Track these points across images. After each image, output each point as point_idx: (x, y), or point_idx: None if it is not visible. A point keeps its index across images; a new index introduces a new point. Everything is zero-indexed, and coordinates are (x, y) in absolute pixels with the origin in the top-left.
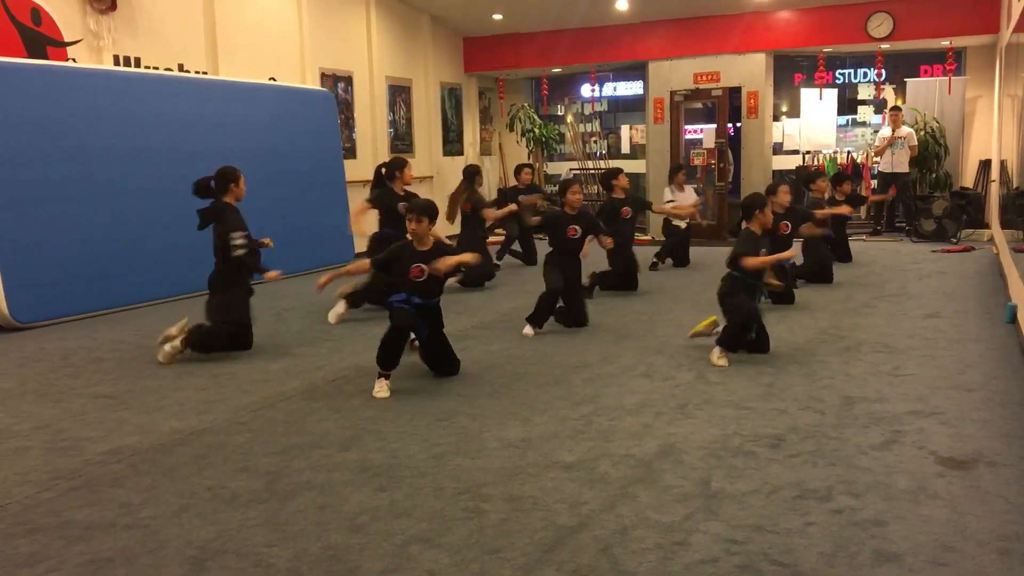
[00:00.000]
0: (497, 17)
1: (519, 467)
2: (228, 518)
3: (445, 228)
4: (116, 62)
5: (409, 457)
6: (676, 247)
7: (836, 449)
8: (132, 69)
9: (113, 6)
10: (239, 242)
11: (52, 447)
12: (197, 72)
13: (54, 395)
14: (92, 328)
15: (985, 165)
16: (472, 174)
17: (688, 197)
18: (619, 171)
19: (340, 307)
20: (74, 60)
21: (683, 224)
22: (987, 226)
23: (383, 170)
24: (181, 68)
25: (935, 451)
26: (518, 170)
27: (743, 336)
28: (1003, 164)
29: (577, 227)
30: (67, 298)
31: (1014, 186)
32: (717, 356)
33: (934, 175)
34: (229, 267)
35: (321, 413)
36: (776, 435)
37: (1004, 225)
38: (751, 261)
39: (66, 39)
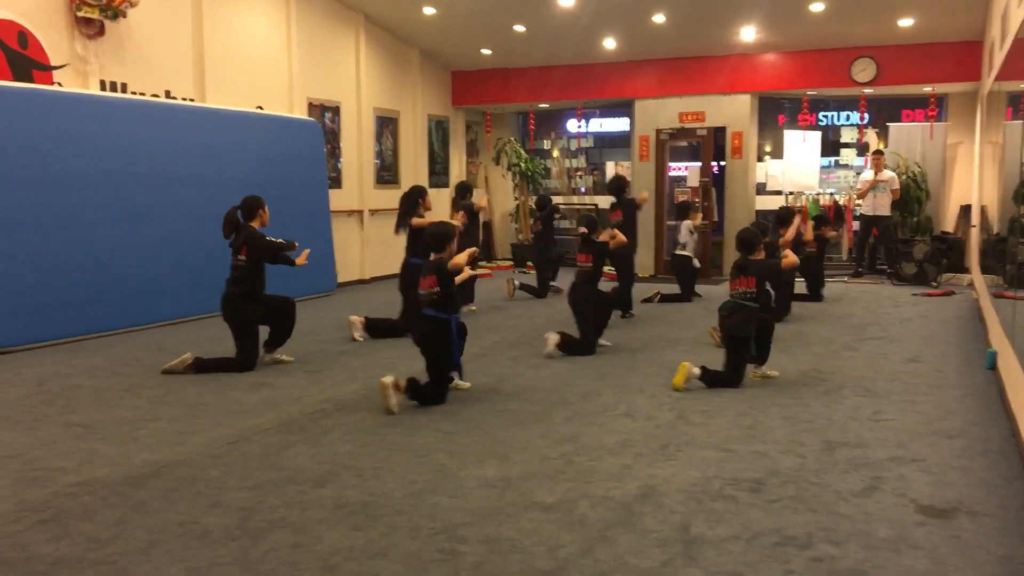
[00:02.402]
0: (486, 52)
1: (497, 507)
2: (198, 555)
3: None
4: (103, 87)
5: (386, 495)
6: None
7: (816, 495)
8: (118, 94)
9: (101, 31)
10: (281, 241)
11: (22, 477)
12: (184, 99)
13: (27, 423)
14: (70, 354)
15: (965, 210)
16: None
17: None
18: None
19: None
20: (60, 84)
21: (696, 261)
22: (967, 271)
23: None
24: (168, 95)
25: (915, 499)
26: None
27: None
28: (983, 210)
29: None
30: (45, 323)
31: (994, 232)
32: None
33: (915, 219)
34: (241, 291)
35: (297, 447)
36: (757, 479)
37: (984, 270)
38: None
39: (53, 63)
